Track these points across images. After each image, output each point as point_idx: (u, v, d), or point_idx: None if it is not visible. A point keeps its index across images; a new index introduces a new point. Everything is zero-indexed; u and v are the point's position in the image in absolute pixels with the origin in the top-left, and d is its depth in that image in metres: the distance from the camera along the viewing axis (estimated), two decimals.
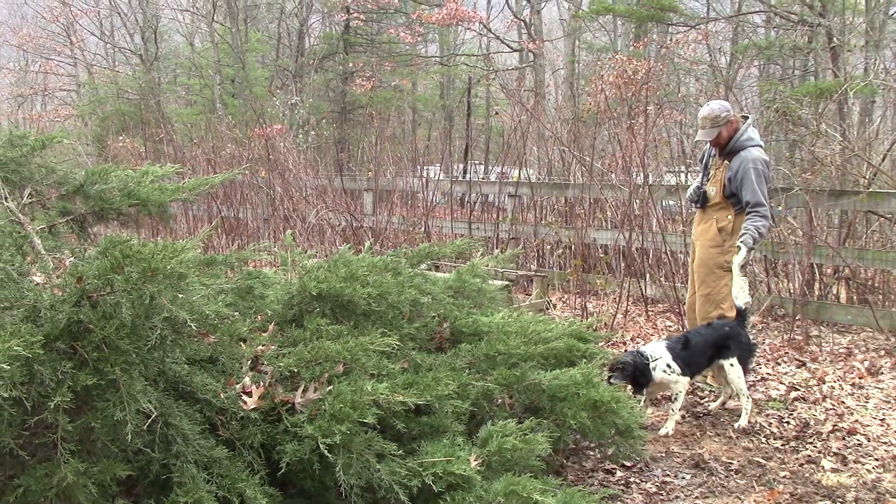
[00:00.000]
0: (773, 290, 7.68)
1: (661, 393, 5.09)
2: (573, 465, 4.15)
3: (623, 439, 3.84)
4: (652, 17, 14.80)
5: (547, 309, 7.53)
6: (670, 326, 7.36)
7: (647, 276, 8.28)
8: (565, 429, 3.65)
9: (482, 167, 16.98)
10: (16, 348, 2.26)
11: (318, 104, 24.22)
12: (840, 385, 5.64)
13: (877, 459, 4.34)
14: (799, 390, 5.50)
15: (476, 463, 2.95)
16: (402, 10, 25.25)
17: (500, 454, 3.06)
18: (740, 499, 3.87)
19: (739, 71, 17.33)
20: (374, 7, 24.09)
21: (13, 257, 2.86)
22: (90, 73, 29.93)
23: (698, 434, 4.74)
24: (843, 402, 5.27)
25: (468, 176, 13.42)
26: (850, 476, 4.11)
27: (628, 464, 4.19)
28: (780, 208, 7.42)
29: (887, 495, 3.88)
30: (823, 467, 4.22)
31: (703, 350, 4.85)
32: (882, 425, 4.86)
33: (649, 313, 7.83)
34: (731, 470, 4.21)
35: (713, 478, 4.11)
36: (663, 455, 4.41)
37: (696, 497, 3.89)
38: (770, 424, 4.88)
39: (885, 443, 4.58)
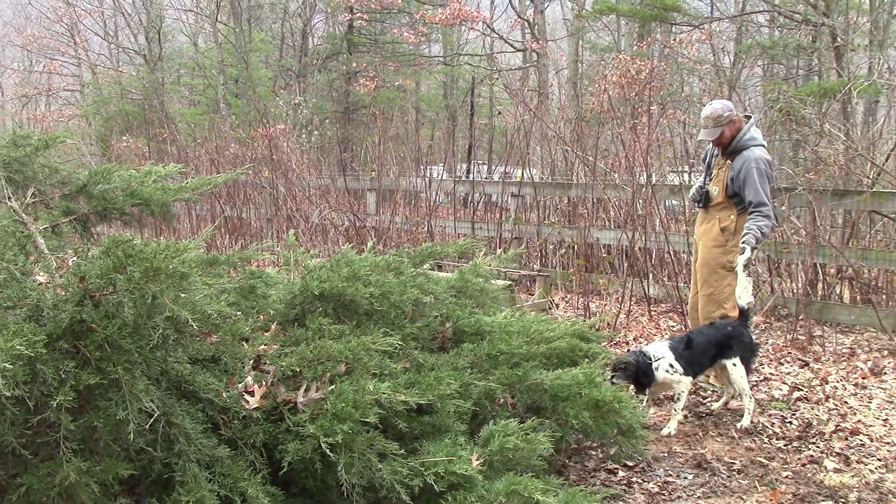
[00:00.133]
0: (777, 289, 7.67)
1: (663, 393, 5.09)
2: (575, 465, 4.15)
3: (625, 439, 3.83)
4: (655, 16, 14.81)
5: (550, 309, 7.53)
6: (673, 326, 7.35)
7: (650, 275, 8.28)
8: (567, 428, 3.65)
9: (485, 167, 16.98)
10: (18, 347, 2.27)
11: (321, 104, 24.23)
12: (843, 385, 5.63)
13: (880, 460, 4.33)
14: (802, 390, 5.49)
15: (478, 462, 2.95)
16: (405, 10, 25.26)
17: (502, 454, 3.06)
18: (742, 499, 3.86)
19: (743, 70, 17.33)
20: (377, 7, 24.10)
21: (16, 257, 2.87)
22: (94, 73, 29.99)
23: (701, 434, 4.74)
24: (846, 403, 5.26)
25: (471, 176, 13.40)
26: (852, 476, 4.11)
27: (630, 464, 4.19)
28: (783, 208, 7.41)
29: (890, 496, 3.88)
30: (826, 467, 4.22)
31: (706, 350, 4.84)
32: (885, 425, 4.85)
33: (652, 313, 7.83)
34: (734, 470, 4.21)
35: (715, 478, 4.10)
36: (665, 455, 4.41)
37: (699, 497, 3.89)
38: (773, 424, 4.88)
39: (888, 443, 4.57)
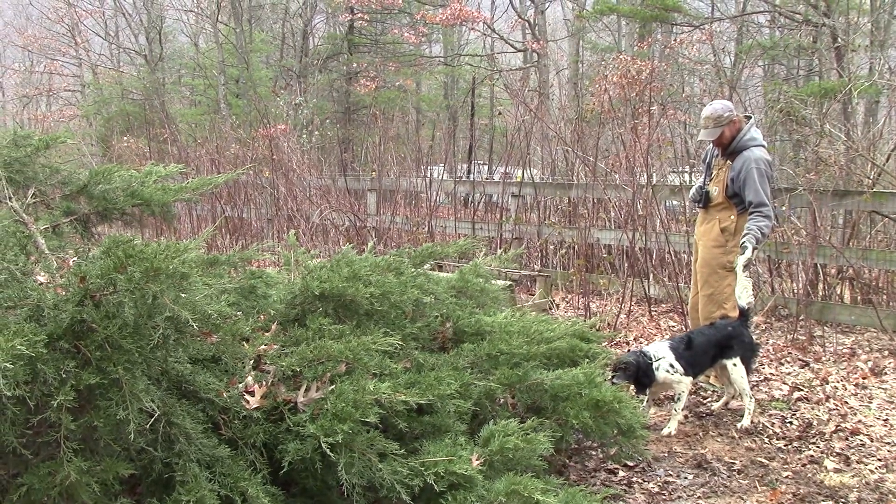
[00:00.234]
0: (777, 290, 7.67)
1: (663, 393, 5.09)
2: (575, 465, 4.15)
3: (625, 439, 3.83)
4: (656, 17, 14.82)
5: (550, 309, 7.53)
6: (673, 326, 7.35)
7: (651, 276, 8.28)
8: (568, 428, 3.65)
9: (486, 167, 16.98)
10: (19, 347, 2.27)
11: (321, 104, 24.24)
12: (843, 385, 5.63)
13: (880, 460, 4.33)
14: (802, 390, 5.49)
15: (478, 462, 2.95)
16: (406, 11, 25.26)
17: (502, 454, 3.06)
18: (743, 499, 3.87)
19: (744, 71, 17.33)
20: (378, 7, 24.09)
21: (17, 257, 2.87)
22: (95, 73, 30.02)
23: (701, 434, 4.74)
24: (847, 403, 5.26)
25: (472, 176, 13.42)
26: (852, 476, 4.11)
27: (631, 464, 4.19)
28: (783, 208, 7.41)
29: (890, 496, 3.88)
30: (826, 467, 4.22)
31: (706, 350, 4.84)
32: (885, 426, 4.85)
33: (652, 313, 7.83)
34: (734, 470, 4.21)
35: (716, 478, 4.11)
36: (666, 455, 4.41)
37: (699, 497, 3.89)
38: (773, 424, 4.88)
39: (889, 443, 4.57)
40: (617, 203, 9.05)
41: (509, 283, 6.62)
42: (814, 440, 4.62)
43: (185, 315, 2.51)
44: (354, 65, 25.04)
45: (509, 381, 3.63)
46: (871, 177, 7.41)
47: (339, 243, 10.09)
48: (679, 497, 3.89)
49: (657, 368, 4.66)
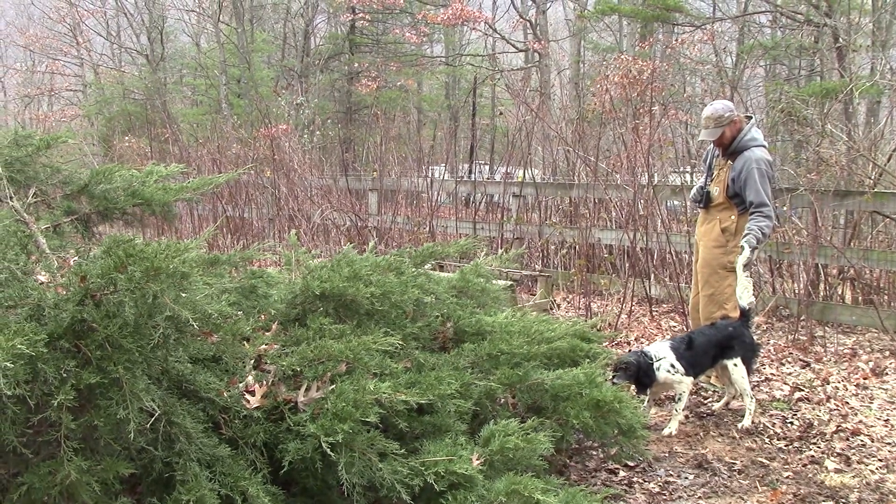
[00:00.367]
0: (778, 290, 7.67)
1: (664, 393, 5.09)
2: (576, 465, 4.15)
3: (626, 439, 3.83)
4: (657, 17, 14.81)
5: (551, 309, 7.53)
6: (674, 326, 7.35)
7: (652, 276, 8.28)
8: (568, 428, 3.65)
9: (487, 167, 16.98)
10: (20, 347, 2.27)
11: (323, 104, 24.24)
12: (844, 386, 5.63)
13: (880, 460, 4.33)
14: (803, 391, 5.49)
15: (478, 462, 2.95)
16: (407, 11, 25.26)
17: (503, 453, 3.06)
18: (743, 499, 3.86)
19: (745, 71, 17.33)
20: (379, 7, 24.09)
21: (18, 256, 2.87)
22: (96, 73, 30.05)
23: (702, 434, 4.74)
24: (847, 403, 5.26)
25: (473, 176, 13.41)
26: (853, 477, 4.11)
27: (631, 464, 4.19)
28: (784, 208, 7.41)
29: (890, 496, 3.88)
30: (827, 468, 4.22)
31: (707, 350, 4.84)
32: (886, 426, 4.85)
33: (653, 313, 7.83)
34: (735, 470, 4.21)
35: (716, 478, 4.10)
36: (666, 455, 4.41)
37: (699, 497, 3.89)
38: (774, 425, 4.88)
39: (889, 443, 4.57)
40: (618, 203, 9.05)
41: (510, 283, 6.62)
42: (814, 440, 4.62)
43: (186, 314, 2.52)
44: (356, 65, 25.04)
45: (510, 381, 3.63)
46: (873, 177, 7.40)
47: (340, 243, 10.10)
48: (680, 497, 3.89)
49: (658, 368, 4.66)
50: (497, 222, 10.00)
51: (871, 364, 6.06)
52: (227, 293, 3.39)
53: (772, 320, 7.43)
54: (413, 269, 4.03)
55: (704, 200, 5.56)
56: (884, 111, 12.50)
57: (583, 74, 21.90)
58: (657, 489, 3.96)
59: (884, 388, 5.58)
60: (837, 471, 4.18)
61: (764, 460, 4.33)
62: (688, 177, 8.59)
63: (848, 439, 4.63)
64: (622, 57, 12.10)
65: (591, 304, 7.84)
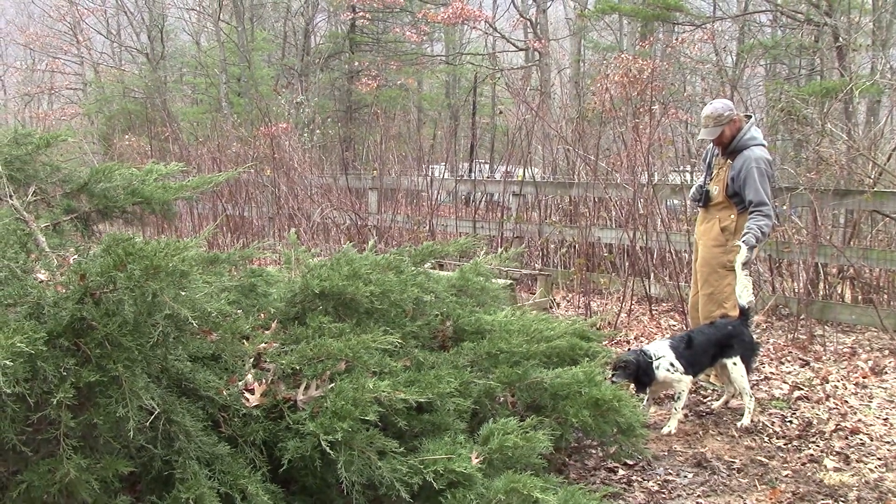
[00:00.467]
0: (778, 289, 7.67)
1: (663, 392, 5.09)
2: (575, 464, 4.16)
3: (625, 438, 3.84)
4: (658, 16, 14.81)
5: (551, 308, 7.53)
6: (674, 325, 7.36)
7: (651, 275, 8.28)
8: (567, 427, 3.65)
9: (487, 166, 16.98)
10: (19, 345, 2.27)
11: (323, 103, 24.24)
12: (843, 384, 5.63)
13: (879, 459, 4.33)
14: (802, 389, 5.50)
15: (477, 461, 2.95)
16: (407, 9, 25.26)
17: (502, 452, 3.06)
18: (742, 497, 3.87)
19: (745, 70, 17.32)
20: (379, 6, 24.09)
21: (17, 254, 2.87)
22: (96, 71, 30.04)
23: (701, 433, 4.74)
24: (847, 402, 5.26)
25: (473, 175, 13.41)
26: (852, 475, 4.11)
27: (630, 462, 4.20)
28: (784, 207, 7.41)
29: (889, 494, 3.88)
30: (826, 466, 4.22)
31: (707, 349, 4.84)
32: (885, 425, 4.85)
33: (653, 312, 7.83)
34: (734, 469, 4.21)
35: (715, 476, 4.11)
36: (665, 454, 4.41)
37: (698, 496, 3.89)
38: (773, 423, 4.88)
39: (888, 442, 4.57)
40: (618, 202, 9.05)
41: (510, 281, 6.63)
42: (814, 439, 4.62)
43: (185, 313, 2.52)
44: (356, 63, 25.02)
45: (509, 380, 3.64)
46: (872, 176, 7.41)
47: (339, 242, 10.10)
48: (679, 495, 3.89)
49: (657, 367, 4.66)
50: (497, 221, 10.00)
51: (870, 363, 6.06)
52: (227, 291, 3.40)
53: (771, 319, 7.44)
54: (413, 268, 4.03)
55: (704, 199, 5.56)
56: (884, 110, 12.50)
57: (583, 73, 21.89)
58: (656, 488, 3.97)
59: (883, 387, 5.58)
60: (836, 469, 4.18)
61: (763, 459, 4.34)
62: (688, 176, 8.60)
63: (847, 438, 4.63)
64: (622, 56, 12.10)
65: (591, 302, 7.85)
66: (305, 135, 17.74)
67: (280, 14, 27.78)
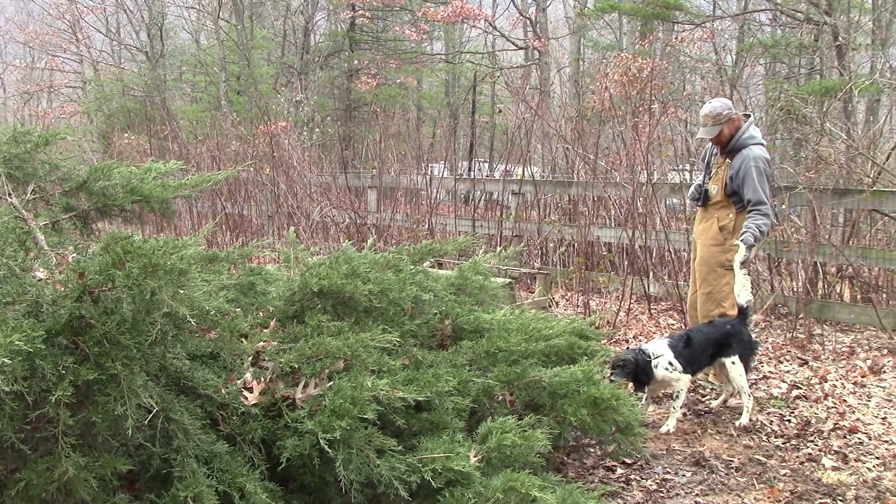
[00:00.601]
0: (777, 288, 7.67)
1: (662, 391, 5.09)
2: (574, 462, 4.16)
3: (623, 436, 3.84)
4: (657, 15, 14.79)
5: (550, 306, 7.53)
6: (673, 324, 7.36)
7: (651, 273, 8.28)
8: (566, 426, 3.65)
9: (486, 165, 16.98)
10: (17, 343, 2.27)
11: (323, 101, 24.24)
12: (842, 384, 5.63)
13: (877, 458, 4.34)
14: (801, 388, 5.50)
15: (475, 459, 2.96)
16: (407, 8, 25.25)
17: (500, 451, 3.06)
18: (740, 496, 3.87)
19: (745, 69, 17.31)
20: (379, 4, 24.09)
21: (16, 253, 2.87)
22: (96, 69, 30.03)
23: (699, 432, 4.74)
24: (845, 401, 5.26)
25: (472, 173, 13.41)
26: (850, 474, 4.11)
27: (629, 461, 4.20)
28: (783, 207, 7.41)
29: (888, 493, 3.88)
30: (824, 465, 4.23)
31: (705, 348, 4.84)
32: (883, 424, 4.86)
33: (652, 311, 7.83)
34: (732, 468, 4.21)
35: (714, 475, 4.11)
36: (664, 452, 4.42)
37: (697, 494, 3.89)
38: (771, 422, 4.88)
39: (886, 441, 4.57)
40: (617, 201, 9.06)
41: (509, 280, 6.63)
42: (812, 438, 4.63)
43: (184, 311, 2.52)
44: (356, 62, 25.02)
45: (507, 379, 3.64)
46: (872, 175, 7.41)
47: (339, 240, 10.10)
48: (677, 494, 3.90)
49: (656, 366, 4.67)
50: (496, 220, 10.00)
51: (868, 362, 6.07)
52: (226, 290, 3.40)
53: (770, 318, 7.44)
54: (411, 267, 4.03)
55: (703, 198, 5.57)
56: (883, 110, 12.49)
57: (582, 72, 21.88)
58: (654, 486, 3.97)
59: (881, 386, 5.59)
60: (834, 468, 4.19)
61: (761, 458, 4.34)
62: (687, 175, 8.60)
63: (845, 437, 4.64)
64: (622, 55, 12.10)
65: (590, 301, 7.85)
66: (305, 133, 17.75)
67: (280, 12, 27.78)
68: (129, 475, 2.67)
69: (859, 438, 4.62)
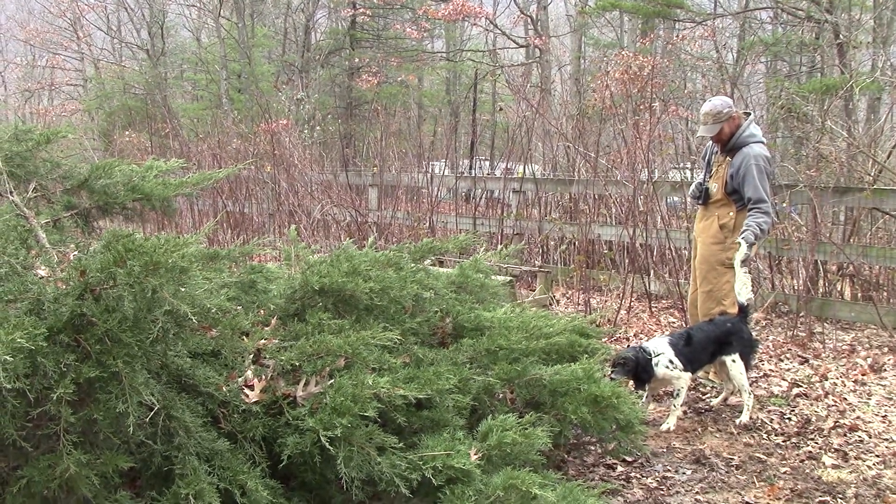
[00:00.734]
0: (777, 286, 7.67)
1: (662, 389, 5.10)
2: (574, 460, 4.17)
3: (624, 434, 3.84)
4: (658, 13, 14.79)
5: (550, 305, 7.54)
6: (673, 322, 7.36)
7: (651, 272, 8.28)
8: (566, 424, 3.66)
9: (487, 163, 16.98)
10: (19, 340, 2.28)
11: (323, 99, 24.25)
12: (842, 382, 5.64)
13: (878, 456, 4.34)
14: (801, 387, 5.50)
15: (476, 457, 2.96)
16: (408, 6, 25.25)
17: (500, 448, 3.07)
18: (741, 494, 3.88)
19: (746, 67, 17.29)
20: (380, 3, 24.09)
21: (18, 251, 2.88)
22: (97, 67, 30.05)
23: (699, 430, 4.75)
24: (845, 399, 5.27)
25: (473, 171, 13.42)
26: (850, 472, 4.12)
27: (629, 459, 4.20)
28: (784, 205, 7.41)
29: (887, 491, 3.89)
30: (824, 463, 4.23)
31: (706, 346, 4.85)
32: (884, 422, 4.86)
33: (653, 309, 7.84)
34: (732, 465, 4.22)
35: (714, 473, 4.12)
36: (664, 450, 4.42)
37: (697, 492, 3.90)
38: (771, 421, 4.89)
39: (887, 439, 4.58)
40: (618, 199, 9.05)
41: (509, 278, 6.64)
42: (812, 436, 4.63)
43: (185, 309, 2.52)
44: (356, 60, 25.03)
45: (508, 377, 3.64)
46: (872, 173, 7.41)
47: (339, 238, 10.10)
48: (677, 492, 3.90)
49: (656, 364, 4.67)
50: (497, 218, 10.00)
51: (869, 360, 6.07)
52: (227, 288, 3.40)
53: (770, 316, 7.44)
54: (412, 265, 4.03)
55: (703, 197, 5.57)
56: (884, 108, 12.49)
57: (583, 70, 21.88)
58: (655, 484, 3.98)
59: (882, 385, 5.59)
60: (835, 466, 4.19)
61: (761, 456, 4.35)
62: (688, 173, 8.60)
63: (845, 435, 4.64)
64: (623, 53, 12.11)
65: (591, 299, 7.86)
66: (306, 131, 17.75)
67: (280, 10, 27.77)
68: (130, 472, 2.68)
69: (859, 436, 4.63)
